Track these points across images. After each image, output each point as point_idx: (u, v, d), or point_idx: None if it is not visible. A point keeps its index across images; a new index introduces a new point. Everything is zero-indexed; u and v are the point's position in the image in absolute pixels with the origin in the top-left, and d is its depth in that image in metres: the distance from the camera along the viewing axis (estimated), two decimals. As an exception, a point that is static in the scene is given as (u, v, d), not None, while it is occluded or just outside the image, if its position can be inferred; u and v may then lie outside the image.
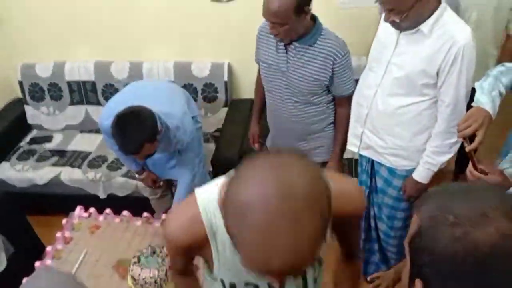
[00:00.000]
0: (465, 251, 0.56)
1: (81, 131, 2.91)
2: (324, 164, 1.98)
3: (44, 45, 2.84)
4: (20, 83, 2.86)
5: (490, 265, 0.55)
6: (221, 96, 2.74)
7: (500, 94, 1.44)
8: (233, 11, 2.58)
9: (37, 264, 1.79)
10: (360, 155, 1.91)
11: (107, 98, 2.74)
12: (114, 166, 2.57)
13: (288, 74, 1.77)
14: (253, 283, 0.96)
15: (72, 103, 2.88)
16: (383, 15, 1.55)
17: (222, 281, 0.97)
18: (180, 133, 1.89)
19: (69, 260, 1.83)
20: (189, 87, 2.69)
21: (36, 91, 2.86)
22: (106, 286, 1.72)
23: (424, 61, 1.53)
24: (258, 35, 1.85)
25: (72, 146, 2.78)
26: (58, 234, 1.93)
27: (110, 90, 2.78)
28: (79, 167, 2.59)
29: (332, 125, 1.92)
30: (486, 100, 1.38)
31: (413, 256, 0.63)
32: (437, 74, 1.53)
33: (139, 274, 1.64)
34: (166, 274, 1.67)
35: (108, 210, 2.06)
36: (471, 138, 1.34)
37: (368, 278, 1.33)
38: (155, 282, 1.64)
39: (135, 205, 2.24)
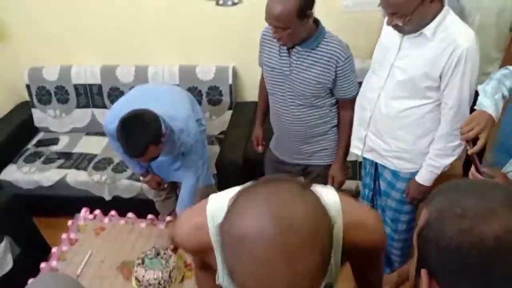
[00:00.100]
0: (470, 244, 0.56)
1: (87, 134, 2.94)
2: (327, 167, 1.98)
3: (51, 50, 2.88)
4: (28, 87, 2.90)
5: (495, 259, 0.56)
6: (226, 99, 2.76)
7: (504, 97, 1.43)
8: (237, 15, 2.60)
9: (43, 265, 1.81)
10: (364, 158, 1.92)
11: (113, 101, 2.76)
12: (119, 169, 2.59)
13: (291, 78, 1.78)
14: None
15: (79, 106, 2.91)
16: (386, 18, 1.55)
17: None
18: (184, 135, 1.91)
19: (74, 261, 1.85)
20: (193, 90, 2.71)
21: (43, 94, 2.90)
22: (110, 287, 1.74)
23: (427, 64, 1.53)
24: (261, 39, 1.86)
25: (78, 149, 2.81)
26: (64, 236, 1.95)
27: (116, 94, 2.81)
28: (85, 169, 2.62)
29: (335, 128, 1.93)
30: (489, 103, 1.38)
31: (420, 248, 0.64)
32: (440, 77, 1.53)
33: (143, 276, 1.66)
34: (170, 276, 1.68)
35: (113, 212, 2.08)
36: (473, 141, 1.34)
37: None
38: (159, 283, 1.65)
39: (140, 207, 2.26)
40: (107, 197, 2.56)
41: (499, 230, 0.56)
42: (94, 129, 2.91)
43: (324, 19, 1.78)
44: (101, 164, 2.65)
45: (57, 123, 2.96)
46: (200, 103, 2.63)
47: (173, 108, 1.93)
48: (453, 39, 1.47)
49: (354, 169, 2.43)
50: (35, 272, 1.70)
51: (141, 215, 2.08)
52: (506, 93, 1.43)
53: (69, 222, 2.03)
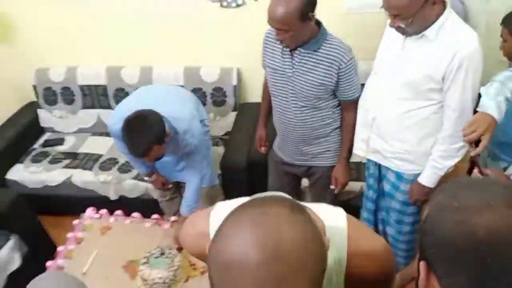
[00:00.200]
0: (463, 235, 0.58)
1: (93, 134, 2.96)
2: (331, 168, 1.99)
3: (57, 51, 2.90)
4: (34, 88, 2.93)
5: (487, 251, 0.57)
6: (230, 100, 2.77)
7: (507, 99, 1.43)
8: (241, 17, 2.61)
9: (49, 263, 1.83)
10: (368, 159, 1.92)
11: (118, 102, 2.77)
12: (124, 169, 2.61)
13: (294, 79, 1.78)
14: None
15: (84, 107, 2.93)
16: (388, 20, 1.56)
17: None
18: (188, 136, 1.92)
19: (80, 260, 1.86)
20: (198, 92, 2.72)
21: (50, 95, 2.93)
22: (115, 286, 1.76)
23: (429, 66, 1.53)
24: (264, 41, 1.87)
25: (84, 149, 2.83)
26: (70, 235, 1.97)
27: (121, 94, 2.83)
28: (91, 169, 2.64)
29: (338, 129, 1.93)
30: (492, 105, 1.38)
31: (421, 240, 0.66)
32: (443, 79, 1.53)
33: (148, 275, 1.67)
34: (174, 275, 1.70)
35: (118, 212, 2.10)
36: (476, 142, 1.34)
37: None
38: (164, 282, 1.67)
39: (145, 207, 2.28)
40: (113, 197, 2.58)
41: (493, 222, 0.57)
42: (99, 130, 2.93)
43: (327, 21, 1.78)
44: (107, 164, 2.67)
45: (63, 123, 2.99)
46: (204, 104, 2.64)
47: (177, 109, 1.94)
48: (456, 41, 1.48)
49: (358, 170, 2.43)
50: (42, 270, 1.72)
51: (146, 215, 2.10)
52: (509, 95, 1.43)
53: (75, 221, 2.05)
